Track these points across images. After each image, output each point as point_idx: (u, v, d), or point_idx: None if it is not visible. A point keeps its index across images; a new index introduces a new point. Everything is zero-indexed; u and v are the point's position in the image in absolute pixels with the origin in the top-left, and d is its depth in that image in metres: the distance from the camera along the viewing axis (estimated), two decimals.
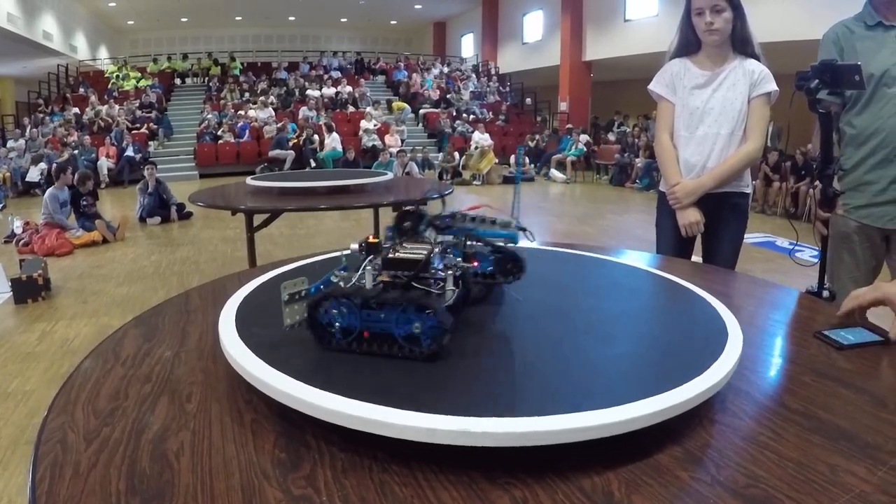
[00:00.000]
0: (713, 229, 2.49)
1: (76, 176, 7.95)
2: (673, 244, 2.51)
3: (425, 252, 0.98)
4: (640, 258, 1.89)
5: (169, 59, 21.75)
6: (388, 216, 4.55)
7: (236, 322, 1.05)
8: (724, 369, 0.90)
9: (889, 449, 0.82)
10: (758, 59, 2.44)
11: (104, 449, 0.80)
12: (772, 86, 2.39)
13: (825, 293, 2.23)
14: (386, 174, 4.08)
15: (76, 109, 16.29)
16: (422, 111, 18.69)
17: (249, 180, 3.93)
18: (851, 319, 1.29)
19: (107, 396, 0.95)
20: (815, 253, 2.27)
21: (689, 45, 2.50)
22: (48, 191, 7.49)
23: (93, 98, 16.78)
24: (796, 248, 4.30)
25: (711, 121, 2.44)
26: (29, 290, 4.89)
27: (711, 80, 2.45)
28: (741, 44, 2.43)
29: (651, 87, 2.59)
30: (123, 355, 1.11)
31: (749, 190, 2.53)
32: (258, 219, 3.81)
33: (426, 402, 0.77)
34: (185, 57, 21.78)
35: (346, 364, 0.91)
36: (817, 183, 2.10)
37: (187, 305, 1.40)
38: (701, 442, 0.83)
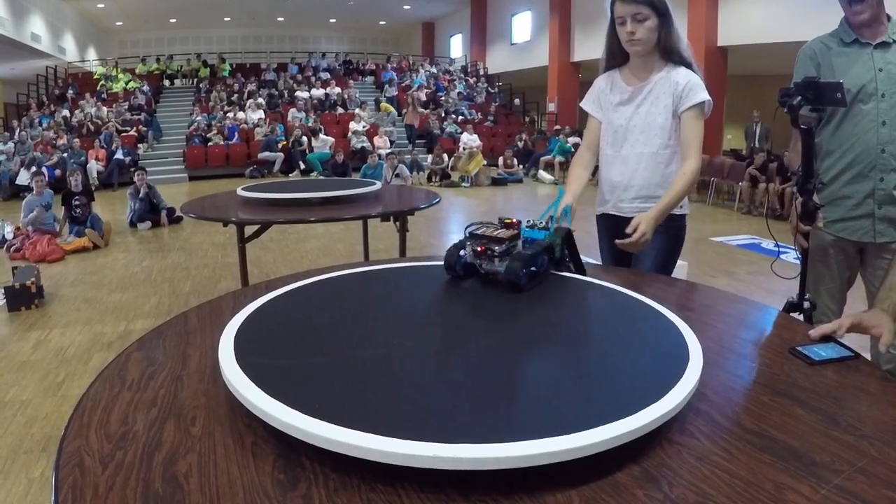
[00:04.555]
0: (642, 251, 2.26)
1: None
2: (614, 264, 2.43)
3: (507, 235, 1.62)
4: (613, 274, 1.96)
5: (158, 60, 21.70)
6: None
7: (234, 351, 1.13)
8: (679, 396, 0.97)
9: (835, 468, 0.88)
10: (689, 66, 2.27)
11: (119, 472, 0.88)
12: (699, 96, 2.21)
13: (806, 304, 2.31)
14: (374, 184, 4.15)
15: (66, 112, 16.27)
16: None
17: (240, 190, 4.00)
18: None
19: (117, 421, 1.03)
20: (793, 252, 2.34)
21: (614, 56, 2.37)
22: (26, 198, 7.52)
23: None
24: (781, 250, 4.38)
25: (634, 139, 2.31)
26: (22, 298, 4.94)
27: (635, 95, 2.31)
28: (665, 53, 2.26)
29: (581, 104, 2.47)
30: (129, 379, 1.19)
31: (684, 211, 2.39)
32: (249, 228, 3.88)
33: (403, 430, 0.86)
34: (170, 58, 21.73)
35: (337, 393, 1.00)
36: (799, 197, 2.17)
37: (186, 327, 1.48)
38: (658, 461, 0.91)
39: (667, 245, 2.36)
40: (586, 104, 2.46)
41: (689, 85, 2.21)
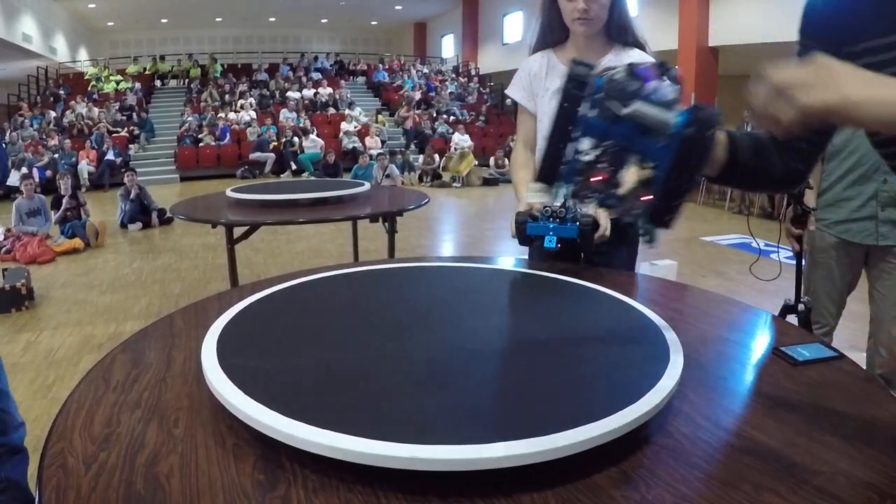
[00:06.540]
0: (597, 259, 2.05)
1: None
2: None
3: None
4: (593, 275, 1.95)
5: (154, 60, 21.65)
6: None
7: (217, 353, 1.14)
8: (658, 397, 0.97)
9: (815, 468, 0.88)
10: (642, 48, 1.98)
11: (102, 473, 0.89)
12: None
13: (801, 306, 2.32)
14: (363, 185, 4.15)
15: (55, 113, 16.23)
16: (402, 113, 18.75)
17: (229, 192, 4.00)
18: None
19: (101, 422, 1.04)
20: (789, 253, 2.34)
21: (552, 32, 2.03)
22: (15, 201, 7.51)
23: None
24: (770, 250, 4.41)
25: None
26: (12, 300, 4.94)
27: None
28: (618, 32, 1.96)
29: (508, 91, 2.16)
30: (113, 381, 1.20)
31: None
32: (238, 229, 3.88)
33: (383, 431, 0.87)
34: (162, 58, 21.70)
35: (317, 395, 1.01)
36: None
37: (171, 329, 1.49)
38: (636, 463, 0.90)
39: (630, 252, 2.13)
40: (514, 91, 2.13)
41: None
